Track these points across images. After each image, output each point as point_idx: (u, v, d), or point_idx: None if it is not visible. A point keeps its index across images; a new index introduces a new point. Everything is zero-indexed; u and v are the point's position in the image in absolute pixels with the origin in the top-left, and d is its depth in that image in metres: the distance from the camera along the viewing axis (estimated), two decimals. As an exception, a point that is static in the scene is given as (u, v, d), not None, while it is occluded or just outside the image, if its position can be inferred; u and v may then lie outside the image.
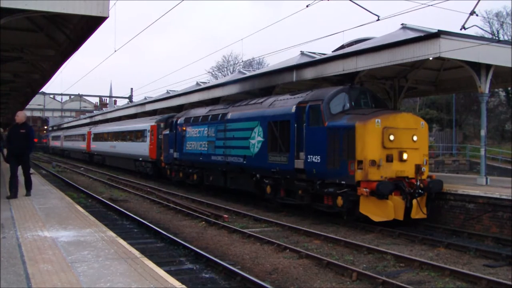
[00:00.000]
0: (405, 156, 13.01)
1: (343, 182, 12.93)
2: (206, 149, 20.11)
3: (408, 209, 12.72)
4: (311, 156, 13.90)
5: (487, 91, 15.54)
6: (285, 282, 8.39)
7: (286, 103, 15.67)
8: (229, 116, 18.70)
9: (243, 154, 17.30)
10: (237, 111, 18.44)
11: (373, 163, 12.59)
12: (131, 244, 8.00)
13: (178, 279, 6.08)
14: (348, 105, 14.06)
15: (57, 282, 5.51)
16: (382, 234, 12.42)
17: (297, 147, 14.58)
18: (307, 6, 14.18)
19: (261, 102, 17.34)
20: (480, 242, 11.74)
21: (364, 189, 12.32)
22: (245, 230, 12.42)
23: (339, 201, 13.05)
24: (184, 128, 22.44)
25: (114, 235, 8.34)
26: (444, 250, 10.82)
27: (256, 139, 16.61)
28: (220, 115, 19.43)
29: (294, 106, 14.88)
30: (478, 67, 15.31)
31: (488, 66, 15.30)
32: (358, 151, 12.62)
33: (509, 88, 39.57)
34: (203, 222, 14.02)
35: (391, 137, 12.82)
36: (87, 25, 10.71)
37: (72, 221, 9.46)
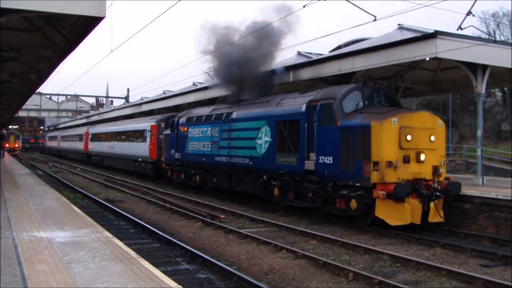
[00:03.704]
0: (422, 157, 12.45)
1: (357, 184, 12.39)
2: (209, 149, 19.51)
3: (425, 213, 12.26)
4: (323, 157, 13.39)
5: (483, 91, 15.58)
6: (282, 282, 8.40)
7: (295, 102, 15.15)
8: (234, 115, 18.12)
9: (249, 154, 16.72)
10: (243, 110, 17.84)
11: (389, 164, 12.04)
12: (128, 245, 8.01)
13: (174, 280, 6.09)
14: (361, 103, 13.49)
15: (53, 283, 5.50)
16: (378, 234, 12.39)
17: (308, 147, 14.06)
18: (304, 6, 14.14)
19: (268, 101, 16.78)
20: (476, 242, 11.75)
21: (381, 192, 11.76)
22: (241, 231, 12.41)
23: (353, 204, 12.60)
24: (186, 128, 21.83)
25: (110, 235, 8.35)
26: (441, 250, 10.84)
27: (263, 139, 16.08)
28: (225, 114, 18.80)
29: (304, 105, 14.37)
30: (475, 68, 15.35)
31: (484, 67, 15.35)
32: (373, 152, 12.08)
33: (506, 89, 39.67)
34: (200, 223, 14.00)
35: (408, 137, 12.26)
36: (84, 25, 10.70)
37: (68, 222, 9.45)
